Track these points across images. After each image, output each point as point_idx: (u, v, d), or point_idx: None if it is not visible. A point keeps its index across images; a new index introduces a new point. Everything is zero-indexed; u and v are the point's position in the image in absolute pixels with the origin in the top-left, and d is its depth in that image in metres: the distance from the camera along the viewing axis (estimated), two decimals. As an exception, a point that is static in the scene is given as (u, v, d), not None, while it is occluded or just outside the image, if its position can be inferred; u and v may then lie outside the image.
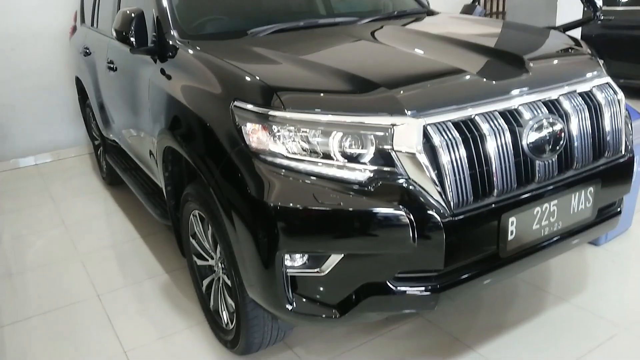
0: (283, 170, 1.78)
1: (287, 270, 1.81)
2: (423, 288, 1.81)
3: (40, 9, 5.29)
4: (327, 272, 1.79)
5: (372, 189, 1.73)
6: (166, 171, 2.63)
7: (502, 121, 1.85)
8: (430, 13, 3.22)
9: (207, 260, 2.44)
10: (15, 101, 5.38)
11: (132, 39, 2.47)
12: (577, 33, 4.34)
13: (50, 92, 5.52)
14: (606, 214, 2.23)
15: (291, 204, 1.74)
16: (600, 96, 2.11)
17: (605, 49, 6.33)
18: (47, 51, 5.41)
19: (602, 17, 6.23)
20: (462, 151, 1.76)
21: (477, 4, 6.90)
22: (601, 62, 2.36)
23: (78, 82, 4.74)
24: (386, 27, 2.76)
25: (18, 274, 3.32)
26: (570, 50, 2.37)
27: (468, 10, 3.60)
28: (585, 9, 3.06)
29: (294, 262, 1.82)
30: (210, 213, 2.14)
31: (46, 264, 3.41)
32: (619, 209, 2.29)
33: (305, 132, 1.78)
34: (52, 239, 3.77)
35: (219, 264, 2.32)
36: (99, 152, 4.82)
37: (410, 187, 1.72)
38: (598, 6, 2.89)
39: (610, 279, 2.84)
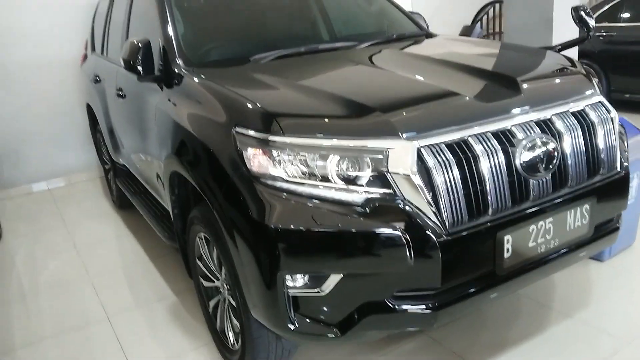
0: (283, 193, 1.85)
1: (289, 290, 1.87)
2: (422, 306, 1.85)
3: (52, 37, 5.46)
4: (327, 291, 1.84)
5: (369, 211, 1.78)
6: (173, 195, 2.70)
7: (495, 142, 1.91)
8: (429, 35, 3.30)
9: (213, 282, 2.49)
10: (29, 127, 5.53)
11: (140, 68, 2.56)
12: (574, 52, 4.40)
13: (63, 118, 5.67)
14: (604, 230, 2.26)
15: (291, 226, 1.80)
16: (593, 115, 2.16)
17: (608, 64, 6.38)
18: (60, 78, 5.57)
19: (604, 33, 6.31)
20: (456, 172, 1.81)
21: (476, 25, 7.03)
22: (595, 80, 2.41)
23: (89, 108, 4.86)
24: (384, 51, 2.83)
25: (31, 296, 3.39)
26: (563, 70, 2.43)
27: (467, 31, 3.69)
28: (579, 29, 3.11)
29: (295, 282, 1.87)
30: (215, 235, 2.20)
31: (58, 286, 3.49)
32: (617, 225, 2.31)
33: (304, 156, 1.84)
34: (64, 261, 3.85)
35: (225, 285, 2.37)
36: (109, 176, 4.92)
37: (406, 207, 1.78)
38: (591, 26, 2.96)
39: (614, 294, 2.85)
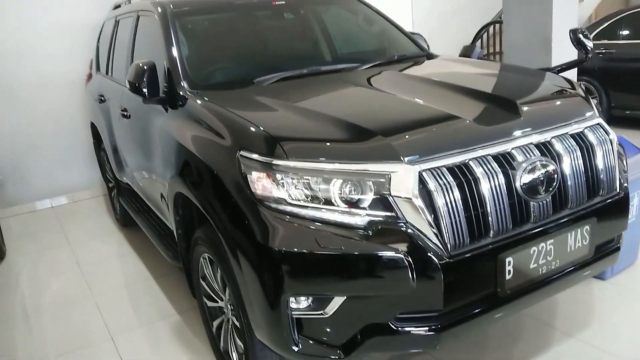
0: (287, 216, 1.87)
1: (293, 312, 1.88)
2: (425, 328, 1.86)
3: (57, 57, 5.53)
4: (330, 313, 1.85)
5: (371, 233, 1.81)
6: (177, 215, 2.73)
7: (495, 165, 1.93)
8: (430, 56, 3.34)
9: (217, 302, 2.51)
10: (34, 145, 5.58)
11: (145, 90, 2.61)
12: (572, 71, 4.44)
13: (67, 137, 5.72)
14: (605, 250, 2.28)
15: (295, 249, 1.82)
16: (591, 137, 2.19)
17: (608, 81, 6.43)
18: (64, 97, 5.63)
19: (603, 50, 6.36)
20: (457, 195, 1.84)
21: (475, 44, 7.10)
22: (594, 102, 2.44)
23: (93, 127, 4.92)
24: (385, 73, 2.87)
25: (35, 315, 3.41)
26: (562, 92, 2.46)
27: (467, 51, 3.73)
28: (577, 51, 3.16)
29: (299, 304, 1.89)
30: (219, 256, 2.22)
31: (62, 305, 3.50)
32: (618, 245, 2.33)
33: (307, 179, 1.87)
34: (68, 280, 3.87)
35: (228, 306, 2.39)
36: (112, 195, 4.95)
37: (408, 230, 1.80)
38: (589, 48, 3.00)
39: (617, 313, 2.86)
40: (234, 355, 2.45)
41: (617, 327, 2.75)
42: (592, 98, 2.90)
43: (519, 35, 4.40)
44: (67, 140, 5.73)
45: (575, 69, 4.53)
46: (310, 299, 1.88)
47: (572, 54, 4.02)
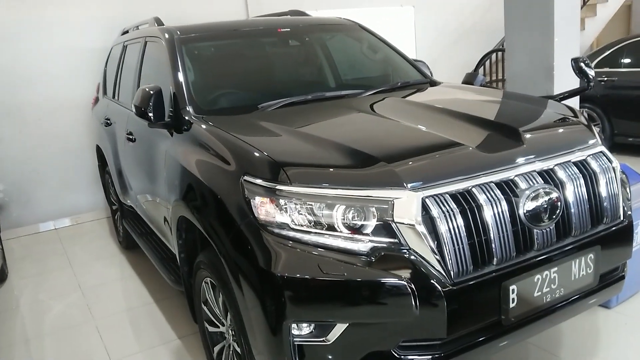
0: (290, 242, 1.87)
1: (294, 339, 1.87)
2: (428, 356, 1.85)
3: (65, 80, 5.61)
4: (333, 340, 1.84)
5: (374, 260, 1.80)
6: (180, 239, 2.73)
7: (498, 192, 1.94)
8: (433, 83, 3.37)
9: (218, 327, 2.49)
10: (40, 168, 5.62)
11: (151, 115, 2.64)
12: (574, 99, 4.47)
13: (72, 159, 5.76)
14: (609, 279, 2.26)
15: (297, 275, 1.82)
16: (594, 165, 2.19)
17: (610, 109, 6.46)
18: (71, 120, 5.69)
19: (605, 78, 6.41)
20: (460, 222, 1.84)
21: (478, 71, 7.17)
22: (597, 130, 2.45)
23: (98, 150, 4.95)
24: (389, 100, 2.90)
25: (35, 339, 3.38)
26: (565, 120, 2.47)
27: (470, 78, 3.76)
28: (579, 79, 3.18)
29: (301, 331, 1.87)
30: (221, 281, 2.21)
31: (62, 329, 3.48)
32: (622, 274, 2.32)
33: (311, 205, 1.88)
34: (69, 303, 3.85)
35: (230, 331, 2.37)
36: (116, 217, 4.96)
37: (411, 257, 1.79)
38: (590, 77, 3.03)
39: (622, 342, 2.82)
40: (235, 382, 2.42)
41: (622, 356, 2.71)
42: (594, 125, 2.92)
43: (521, 64, 4.45)
44: (73, 163, 5.77)
45: (578, 96, 4.56)
46: (313, 325, 1.87)
47: (575, 82, 4.05)
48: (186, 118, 2.71)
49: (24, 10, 5.35)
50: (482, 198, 1.90)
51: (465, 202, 1.88)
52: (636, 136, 6.34)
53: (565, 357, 2.71)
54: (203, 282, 2.51)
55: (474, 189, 1.91)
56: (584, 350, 2.76)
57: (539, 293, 1.98)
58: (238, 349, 2.25)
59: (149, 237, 3.93)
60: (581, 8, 6.68)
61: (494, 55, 8.13)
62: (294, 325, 1.86)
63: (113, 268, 4.45)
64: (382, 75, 3.65)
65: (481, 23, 8.29)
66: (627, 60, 6.52)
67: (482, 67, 8.00)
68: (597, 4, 8.75)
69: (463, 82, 3.83)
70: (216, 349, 2.57)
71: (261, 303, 1.89)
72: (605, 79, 6.47)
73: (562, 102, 2.94)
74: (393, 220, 1.82)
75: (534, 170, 2.05)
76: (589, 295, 2.15)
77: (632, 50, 6.53)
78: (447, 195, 1.87)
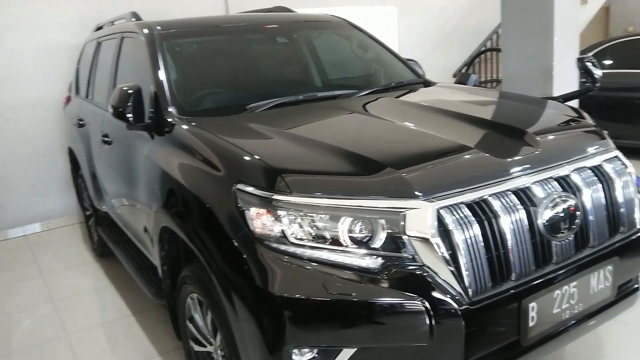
0: (289, 257, 1.70)
1: (295, 365, 1.69)
2: (443, 381, 1.69)
3: (34, 79, 5.31)
4: (339, 368, 1.67)
5: (384, 277, 1.64)
6: (162, 250, 2.52)
7: (515, 200, 1.79)
8: (427, 84, 3.23)
9: (206, 347, 2.29)
10: (8, 170, 5.31)
11: (129, 116, 2.44)
12: (575, 102, 4.39)
13: (43, 162, 5.46)
14: (624, 291, 2.15)
15: (298, 294, 1.65)
16: (610, 170, 2.08)
17: (594, 110, 6.45)
18: (41, 121, 5.39)
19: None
20: (478, 234, 1.69)
21: (470, 73, 7.09)
22: (605, 132, 2.34)
23: (71, 152, 4.70)
24: (385, 100, 2.74)
25: (3, 357, 3.13)
26: (575, 122, 2.36)
27: (462, 78, 3.64)
28: (584, 79, 3.08)
29: (303, 356, 1.70)
30: (211, 299, 2.02)
31: (33, 346, 3.23)
32: (636, 285, 2.20)
33: (312, 216, 1.70)
34: (40, 317, 3.59)
35: (219, 352, 2.17)
36: (90, 223, 4.70)
37: (425, 274, 1.63)
38: (596, 77, 2.93)
39: (624, 351, 2.73)
40: (224, 407, 2.23)
41: (628, 367, 2.61)
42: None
43: (518, 65, 4.33)
44: (43, 165, 5.47)
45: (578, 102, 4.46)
46: (316, 350, 1.69)
47: (574, 84, 3.96)
48: (168, 119, 2.51)
49: (-13, 5, 5.05)
50: (499, 208, 1.75)
51: (482, 212, 1.72)
52: (619, 138, 6.33)
53: (571, 370, 2.60)
54: (189, 298, 2.31)
55: (489, 198, 1.76)
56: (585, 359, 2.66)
57: (558, 310, 1.84)
58: (229, 372, 2.06)
59: (126, 246, 3.70)
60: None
61: (483, 56, 8.06)
62: (295, 350, 1.68)
63: (87, 277, 4.20)
64: (374, 74, 3.50)
65: (463, 26, 8.20)
66: (609, 62, 6.53)
67: (472, 67, 7.90)
68: (577, 6, 8.77)
69: (456, 83, 3.71)
70: (203, 369, 2.38)
71: (258, 326, 1.71)
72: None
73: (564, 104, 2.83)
74: (405, 233, 1.65)
75: (550, 177, 1.91)
76: (606, 308, 2.03)
77: (614, 52, 6.54)
78: (463, 204, 1.71)
